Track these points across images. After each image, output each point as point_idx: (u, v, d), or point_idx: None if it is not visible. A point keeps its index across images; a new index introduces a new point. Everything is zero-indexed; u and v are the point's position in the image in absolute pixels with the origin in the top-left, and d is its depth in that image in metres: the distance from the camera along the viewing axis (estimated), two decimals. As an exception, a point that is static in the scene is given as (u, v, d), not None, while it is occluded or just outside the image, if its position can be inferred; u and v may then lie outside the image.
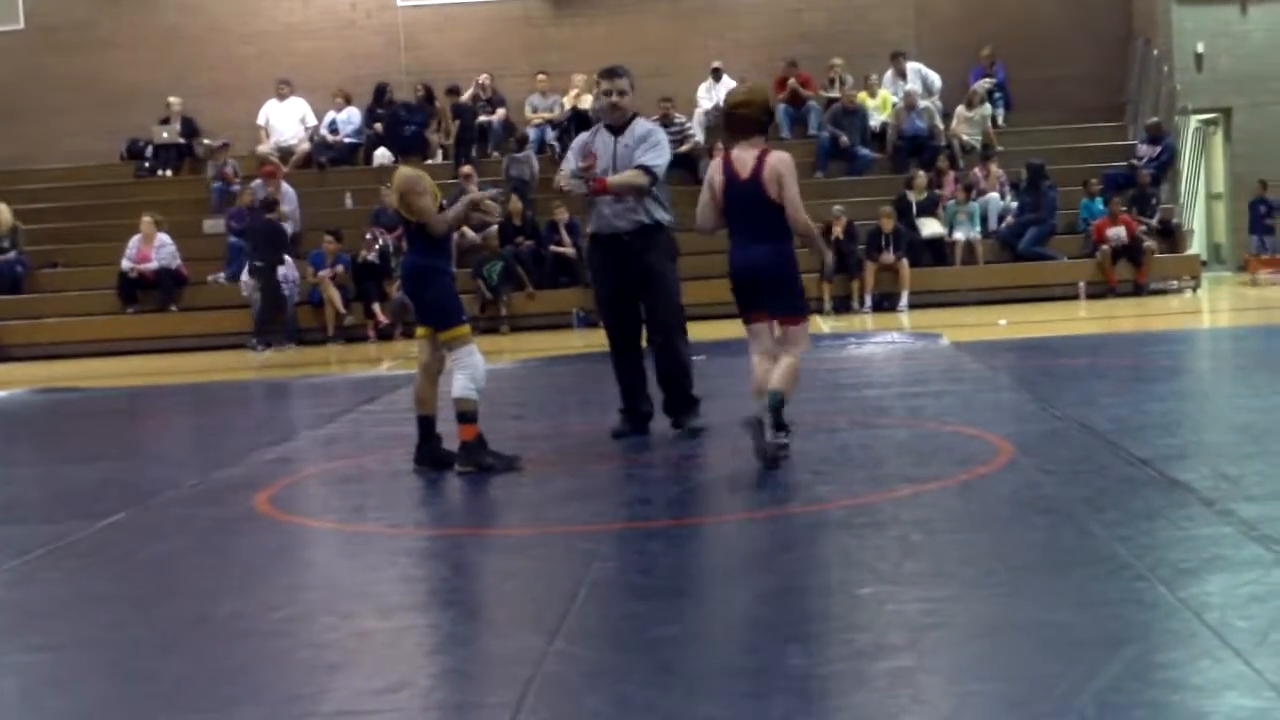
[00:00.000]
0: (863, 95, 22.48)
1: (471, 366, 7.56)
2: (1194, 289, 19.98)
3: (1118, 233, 19.71)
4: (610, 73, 8.37)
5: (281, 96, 23.01)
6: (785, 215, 7.17)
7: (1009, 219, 20.50)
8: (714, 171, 7.38)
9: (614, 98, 8.26)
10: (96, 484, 8.23)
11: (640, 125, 8.36)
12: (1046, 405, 8.86)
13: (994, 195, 20.75)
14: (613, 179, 8.09)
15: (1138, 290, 19.62)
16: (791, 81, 22.42)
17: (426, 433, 7.76)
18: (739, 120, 7.34)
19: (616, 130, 8.28)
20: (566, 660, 4.15)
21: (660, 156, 8.21)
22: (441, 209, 7.62)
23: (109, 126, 23.41)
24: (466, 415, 7.57)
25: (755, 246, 7.22)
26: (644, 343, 8.52)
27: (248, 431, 10.79)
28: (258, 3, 24.03)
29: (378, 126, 22.71)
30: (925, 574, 5.02)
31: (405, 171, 7.67)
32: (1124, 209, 20.04)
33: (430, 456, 7.73)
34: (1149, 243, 19.81)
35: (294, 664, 4.37)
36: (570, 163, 8.43)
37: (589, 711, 3.76)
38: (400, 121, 8.12)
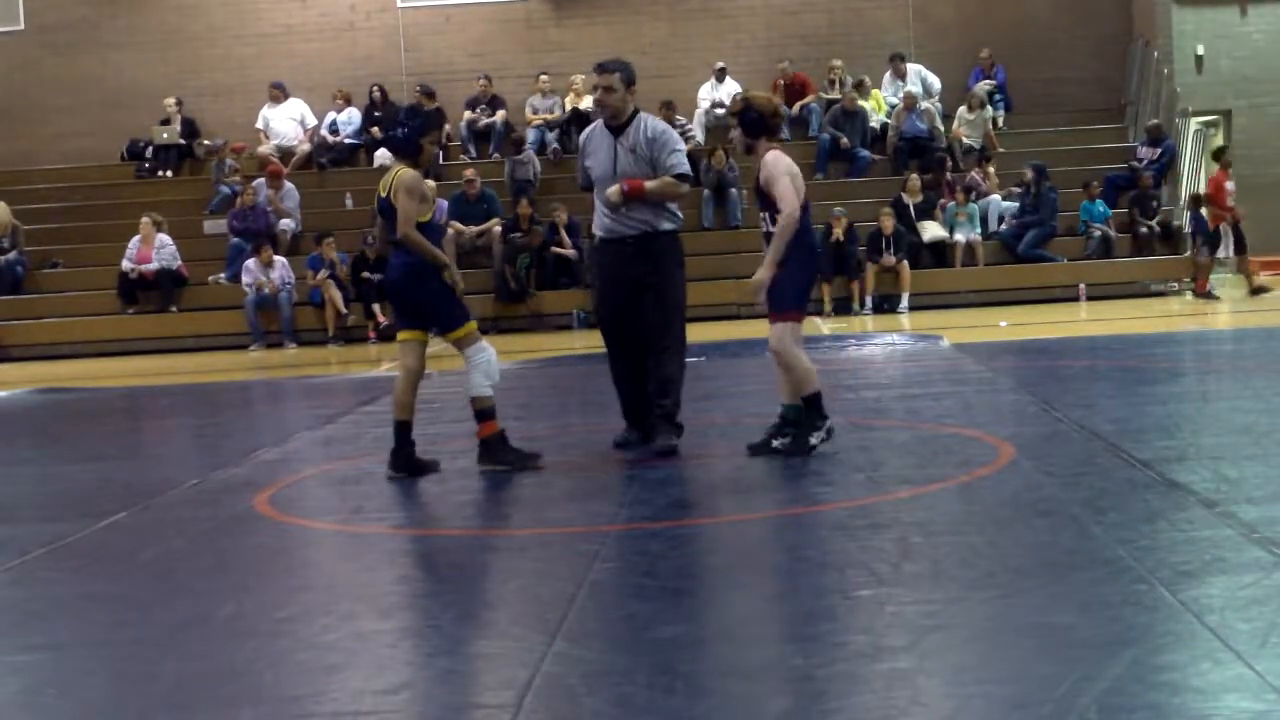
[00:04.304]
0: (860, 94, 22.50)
1: (485, 364, 7.49)
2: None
3: (1232, 185, 19.45)
4: (600, 67, 7.92)
5: (275, 100, 23.02)
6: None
7: (1008, 220, 20.50)
8: (789, 163, 7.51)
9: (599, 94, 7.89)
10: (96, 484, 8.24)
11: (648, 126, 7.82)
12: (1047, 407, 8.86)
13: (995, 197, 20.75)
14: (649, 185, 7.65)
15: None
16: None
17: (402, 439, 7.62)
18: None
19: (616, 130, 7.82)
20: (566, 661, 4.15)
21: (684, 158, 7.84)
22: (430, 221, 7.53)
23: (109, 126, 23.39)
24: (484, 413, 7.54)
25: None
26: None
27: (247, 432, 10.81)
28: (257, 4, 24.01)
29: (375, 130, 22.75)
30: (925, 576, 5.02)
31: (410, 172, 7.51)
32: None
33: (405, 463, 7.62)
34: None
35: (294, 665, 4.37)
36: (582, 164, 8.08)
37: (589, 712, 3.76)
38: (397, 124, 8.01)
